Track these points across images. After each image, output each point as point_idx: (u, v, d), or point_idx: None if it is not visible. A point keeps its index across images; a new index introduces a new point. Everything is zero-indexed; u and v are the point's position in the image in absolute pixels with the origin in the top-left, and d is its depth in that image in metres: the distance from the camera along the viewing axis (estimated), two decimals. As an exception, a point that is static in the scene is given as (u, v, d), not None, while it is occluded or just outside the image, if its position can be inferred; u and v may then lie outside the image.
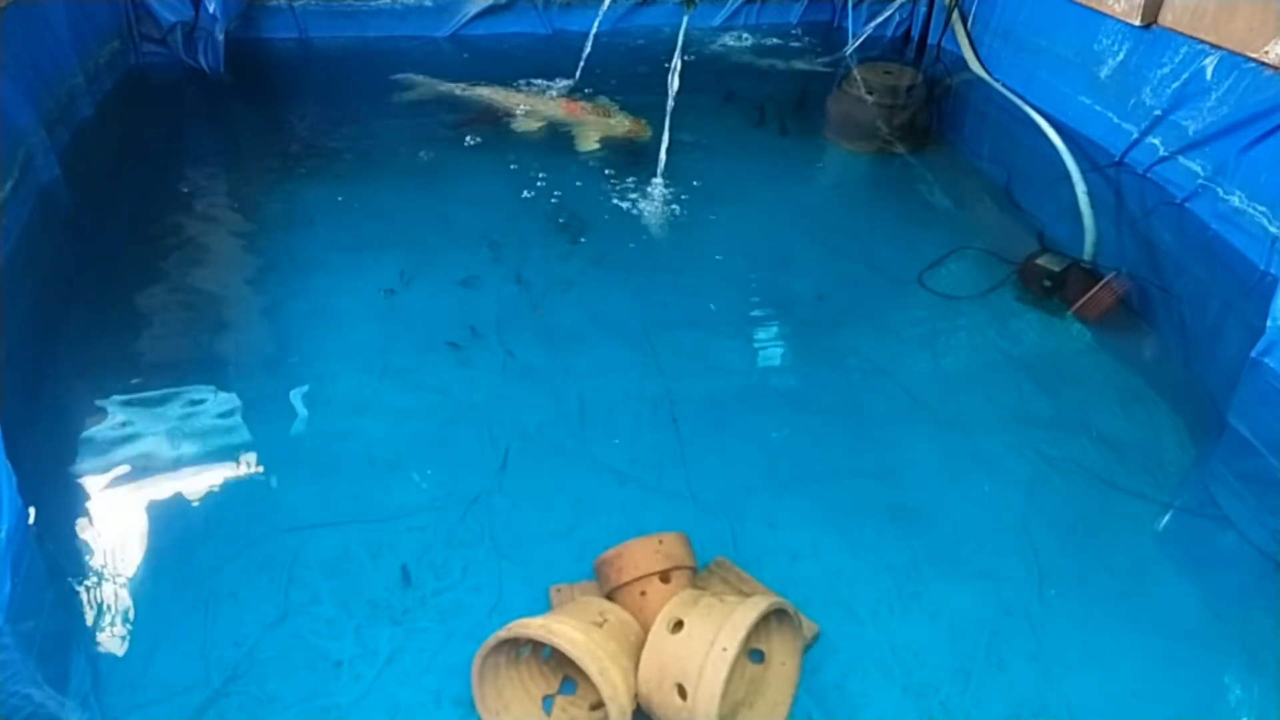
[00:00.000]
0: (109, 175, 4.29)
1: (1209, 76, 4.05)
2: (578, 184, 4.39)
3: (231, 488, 2.63)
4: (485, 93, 5.15)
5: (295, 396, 3.01)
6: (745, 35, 6.68)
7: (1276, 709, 2.14)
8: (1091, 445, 2.90)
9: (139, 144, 4.65)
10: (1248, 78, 3.85)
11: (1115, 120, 4.60)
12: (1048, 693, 2.15)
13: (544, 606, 2.28)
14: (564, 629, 1.91)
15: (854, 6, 6.51)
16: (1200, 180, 4.04)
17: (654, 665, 1.91)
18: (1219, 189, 3.94)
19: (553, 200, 4.24)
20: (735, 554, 2.43)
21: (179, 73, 5.50)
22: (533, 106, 4.96)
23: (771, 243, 4.02)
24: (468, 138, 4.79)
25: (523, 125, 4.70)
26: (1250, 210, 3.76)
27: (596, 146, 4.49)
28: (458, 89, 5.18)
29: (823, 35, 6.76)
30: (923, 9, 6.40)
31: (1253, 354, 2.79)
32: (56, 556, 2.34)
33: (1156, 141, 4.34)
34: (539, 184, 4.39)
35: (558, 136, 4.87)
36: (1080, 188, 4.15)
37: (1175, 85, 4.22)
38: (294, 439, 2.84)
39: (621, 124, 4.76)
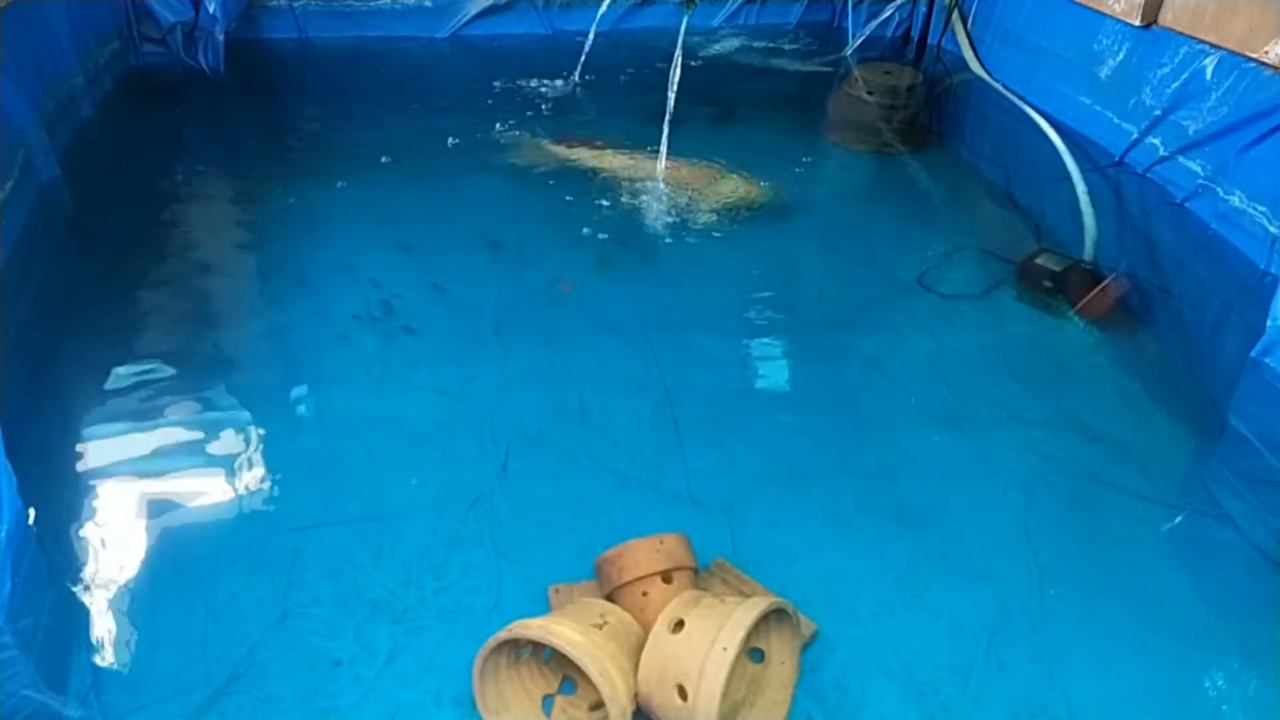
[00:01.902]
0: (109, 175, 4.29)
1: (1209, 76, 4.05)
2: (578, 185, 4.39)
3: (232, 488, 2.63)
4: (589, 156, 4.52)
5: (295, 396, 3.01)
6: (745, 35, 6.68)
7: (1276, 708, 2.14)
8: (1092, 445, 2.90)
9: (139, 144, 4.65)
10: (1248, 78, 3.85)
11: (1115, 120, 4.60)
12: (1048, 692, 2.15)
13: (544, 606, 2.27)
14: (564, 630, 1.91)
15: (854, 6, 6.52)
16: (1200, 180, 4.04)
17: (654, 665, 1.91)
18: (1219, 189, 3.94)
19: (553, 201, 4.24)
20: (734, 555, 2.43)
21: (179, 73, 5.51)
22: (636, 170, 4.36)
23: (771, 243, 4.02)
24: (451, 139, 4.80)
25: (628, 200, 4.15)
26: (1250, 210, 3.76)
27: (712, 217, 4.03)
28: (562, 150, 4.66)
29: (823, 35, 6.76)
30: (923, 9, 6.41)
31: (1253, 354, 2.79)
32: (56, 556, 2.34)
33: (1156, 141, 4.34)
34: (540, 185, 4.39)
35: (570, 139, 4.88)
36: (1080, 188, 4.15)
37: (1175, 85, 4.22)
38: (294, 439, 2.84)
39: (735, 187, 4.22)
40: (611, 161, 4.44)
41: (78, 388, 2.96)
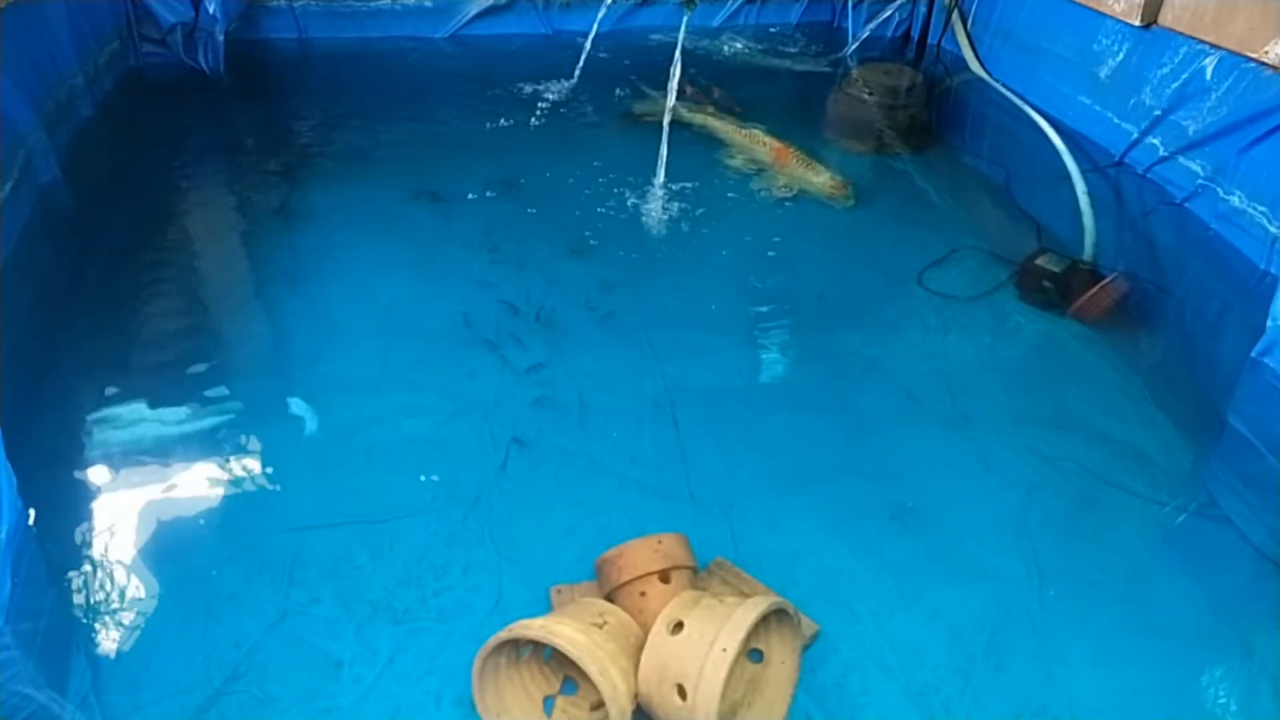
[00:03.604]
0: (109, 175, 4.29)
1: (1209, 76, 4.05)
2: (579, 186, 4.39)
3: (231, 488, 2.63)
4: (711, 121, 5.00)
5: (296, 397, 3.01)
6: (745, 35, 6.68)
7: (1276, 709, 2.14)
8: (1092, 445, 2.90)
9: (139, 144, 4.65)
10: (1248, 78, 3.85)
11: (1115, 120, 4.60)
12: (1048, 692, 2.15)
13: (544, 606, 2.28)
14: (564, 630, 1.91)
15: (854, 6, 6.51)
16: (1200, 180, 4.04)
17: (654, 666, 1.91)
18: (1219, 189, 3.94)
19: (554, 202, 4.24)
20: (735, 555, 2.43)
21: (179, 73, 5.50)
22: (745, 144, 4.77)
23: (771, 243, 4.02)
24: (451, 140, 4.80)
25: (731, 163, 4.62)
26: (1250, 210, 3.76)
27: (787, 195, 4.35)
28: (684, 111, 5.01)
29: (823, 35, 6.76)
30: (923, 9, 6.40)
31: (1253, 354, 2.79)
32: (56, 557, 2.35)
33: (1156, 141, 4.34)
34: (540, 185, 4.39)
35: (564, 142, 4.88)
36: (1080, 188, 4.15)
37: (1175, 85, 4.22)
38: (294, 439, 2.84)
39: (824, 180, 4.39)
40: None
41: (78, 388, 2.96)
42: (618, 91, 5.52)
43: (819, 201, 4.36)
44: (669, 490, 2.67)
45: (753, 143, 4.77)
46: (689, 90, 5.25)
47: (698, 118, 5.08)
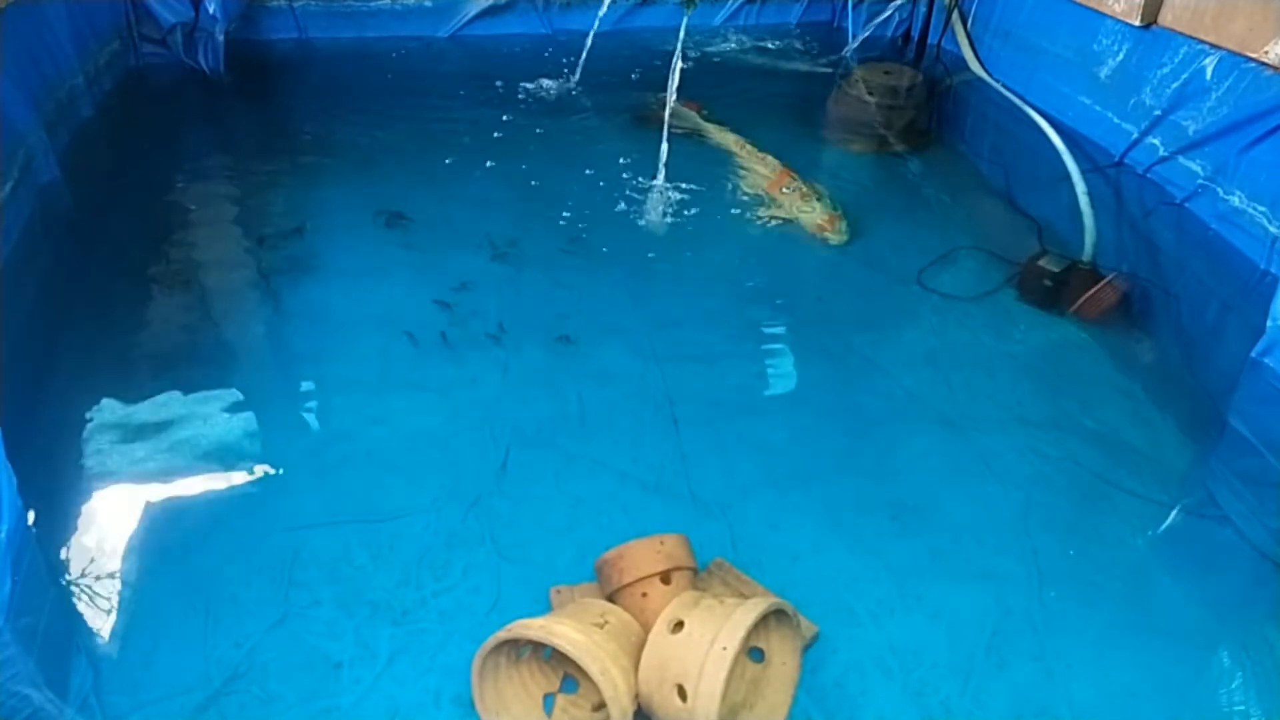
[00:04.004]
0: (109, 176, 4.29)
1: (1209, 76, 4.04)
2: (579, 187, 4.39)
3: (231, 488, 2.63)
4: (728, 139, 4.86)
5: (295, 397, 3.01)
6: (745, 35, 6.67)
7: (1276, 709, 2.14)
8: (1091, 445, 2.90)
9: (139, 145, 4.65)
10: (1248, 78, 3.85)
11: (1115, 120, 4.60)
12: (1048, 692, 2.15)
13: (544, 607, 2.28)
14: (565, 630, 1.91)
15: (854, 6, 6.51)
16: (1200, 180, 4.04)
17: (654, 666, 1.91)
18: (1219, 189, 3.94)
19: (554, 202, 4.24)
20: (734, 555, 2.43)
21: (179, 73, 5.50)
22: (752, 164, 4.63)
23: (771, 243, 4.02)
24: (451, 140, 4.80)
25: (733, 179, 4.50)
26: (1250, 210, 3.76)
27: (775, 223, 4.16)
28: (713, 129, 4.97)
29: (823, 35, 6.76)
30: (923, 9, 6.40)
31: (1253, 354, 2.78)
32: (56, 556, 2.35)
33: (1156, 141, 4.34)
34: (540, 186, 4.39)
35: (564, 143, 4.88)
36: (1080, 188, 4.14)
37: (1175, 85, 4.21)
38: (294, 439, 2.84)
39: (815, 215, 4.19)
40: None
41: (78, 388, 2.96)
42: (617, 91, 5.51)
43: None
44: (669, 490, 2.67)
45: (756, 163, 4.67)
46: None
47: (693, 119, 5.04)
